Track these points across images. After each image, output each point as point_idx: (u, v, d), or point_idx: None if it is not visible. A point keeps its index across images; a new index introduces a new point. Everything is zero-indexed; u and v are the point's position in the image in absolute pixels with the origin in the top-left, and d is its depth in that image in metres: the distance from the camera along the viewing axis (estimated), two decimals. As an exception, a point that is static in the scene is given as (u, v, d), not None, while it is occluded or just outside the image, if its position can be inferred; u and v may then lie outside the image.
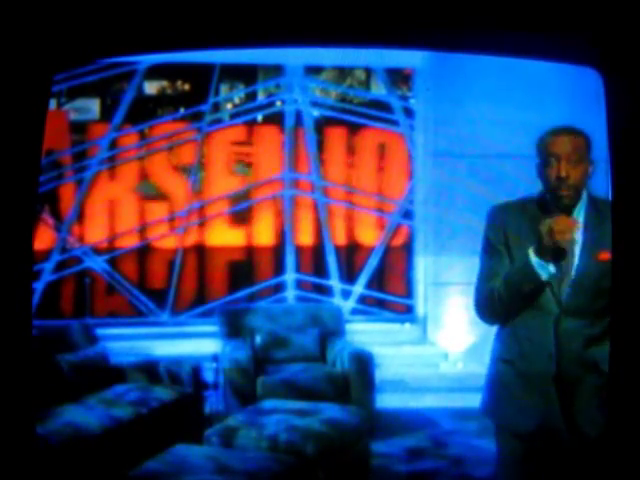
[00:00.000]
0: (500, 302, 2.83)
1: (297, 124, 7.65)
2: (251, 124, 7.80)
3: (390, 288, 7.88)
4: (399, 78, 8.06)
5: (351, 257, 7.86)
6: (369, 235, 7.81)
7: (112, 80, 7.73)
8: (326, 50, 6.31)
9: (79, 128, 7.61)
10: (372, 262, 7.78)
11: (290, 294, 7.70)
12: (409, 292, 7.83)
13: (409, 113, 7.74)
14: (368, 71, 8.30)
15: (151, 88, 8.48)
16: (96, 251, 7.52)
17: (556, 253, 2.70)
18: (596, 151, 2.77)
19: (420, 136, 7.66)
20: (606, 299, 2.66)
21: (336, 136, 7.76)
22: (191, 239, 7.64)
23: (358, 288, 7.77)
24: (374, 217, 7.81)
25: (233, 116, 7.93)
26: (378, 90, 8.08)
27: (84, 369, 5.46)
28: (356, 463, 4.89)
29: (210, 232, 7.67)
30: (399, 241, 7.84)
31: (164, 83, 8.61)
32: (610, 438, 2.39)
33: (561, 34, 2.33)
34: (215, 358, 6.22)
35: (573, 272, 2.76)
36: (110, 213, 7.52)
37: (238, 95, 8.40)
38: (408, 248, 7.83)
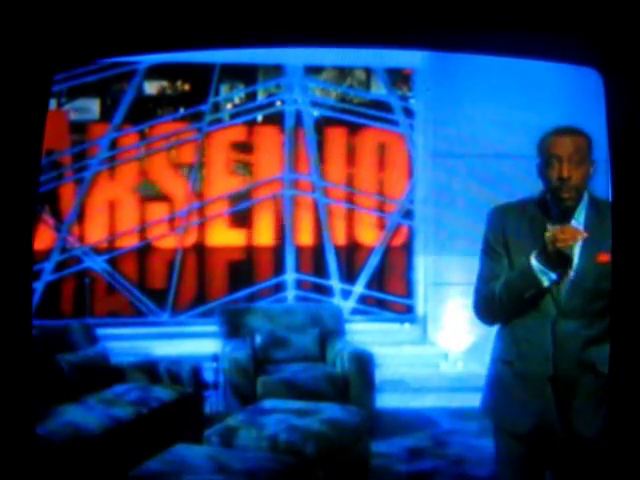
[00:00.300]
0: (500, 305, 2.82)
1: (297, 124, 7.65)
2: (251, 124, 7.80)
3: (390, 288, 7.88)
4: (399, 78, 8.05)
5: (351, 257, 7.86)
6: (369, 235, 7.82)
7: (112, 80, 7.72)
8: (326, 50, 6.32)
9: (79, 128, 7.61)
10: (372, 262, 7.79)
11: (290, 294, 7.70)
12: (409, 292, 7.83)
13: (409, 113, 7.74)
14: (368, 71, 8.30)
15: (151, 88, 8.48)
16: (96, 251, 7.52)
17: (559, 261, 2.69)
18: (596, 151, 2.75)
19: (420, 136, 7.66)
20: (604, 301, 2.66)
21: (336, 136, 7.76)
22: (191, 239, 7.64)
23: (358, 288, 7.78)
24: (374, 217, 7.81)
25: (233, 116, 7.93)
26: (378, 90, 8.08)
27: (84, 369, 5.46)
28: (356, 463, 4.88)
29: (210, 232, 7.67)
30: (399, 241, 7.84)
31: (164, 83, 8.60)
32: (610, 438, 2.38)
33: (561, 34, 2.33)
34: (215, 358, 6.22)
35: (572, 273, 2.74)
36: (110, 213, 7.53)
37: (238, 95, 8.39)
38: (408, 248, 7.83)
